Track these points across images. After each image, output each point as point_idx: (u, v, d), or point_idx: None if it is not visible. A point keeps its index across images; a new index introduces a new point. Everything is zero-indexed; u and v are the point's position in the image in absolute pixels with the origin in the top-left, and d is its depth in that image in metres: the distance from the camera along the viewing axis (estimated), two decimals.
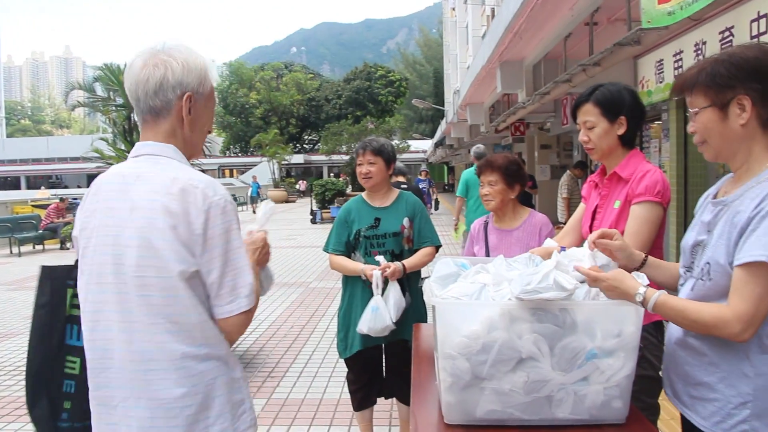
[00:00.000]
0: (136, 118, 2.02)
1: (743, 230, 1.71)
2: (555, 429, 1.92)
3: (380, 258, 3.56)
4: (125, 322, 1.76)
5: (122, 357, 1.76)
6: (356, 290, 3.74)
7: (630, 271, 1.98)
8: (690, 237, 1.97)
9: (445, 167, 53.71)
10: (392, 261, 3.65)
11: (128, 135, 5.75)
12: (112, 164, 6.93)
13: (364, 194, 3.93)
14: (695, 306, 1.78)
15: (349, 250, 3.79)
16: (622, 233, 2.29)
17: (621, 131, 2.56)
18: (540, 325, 1.85)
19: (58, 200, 18.43)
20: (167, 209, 1.75)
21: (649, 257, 2.14)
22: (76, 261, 1.92)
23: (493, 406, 1.91)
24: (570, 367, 1.87)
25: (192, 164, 5.59)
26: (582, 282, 1.93)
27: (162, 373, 1.74)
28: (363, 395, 3.91)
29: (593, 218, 2.68)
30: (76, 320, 1.95)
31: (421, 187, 17.20)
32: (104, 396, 1.79)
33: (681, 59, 8.18)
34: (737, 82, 1.76)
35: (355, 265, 3.68)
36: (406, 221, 3.75)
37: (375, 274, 3.52)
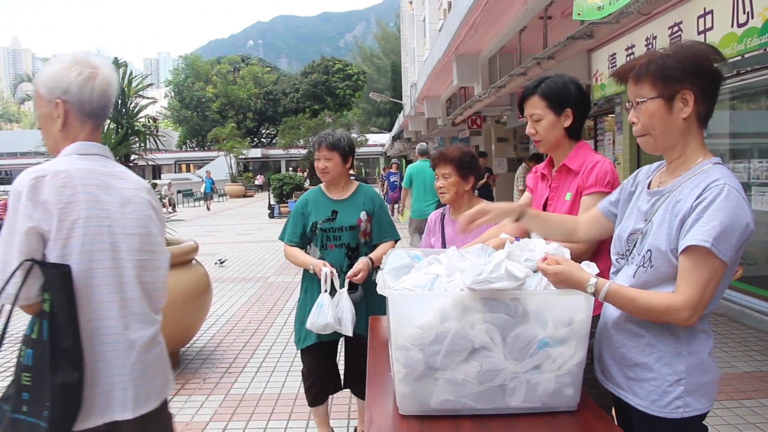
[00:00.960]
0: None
1: (685, 218, 1.77)
2: (508, 417, 1.93)
3: (326, 270, 3.54)
4: (122, 303, 2.05)
5: (117, 333, 2.03)
6: (313, 284, 3.72)
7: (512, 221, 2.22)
8: (627, 226, 2.03)
9: (403, 160, 53.90)
10: (347, 255, 3.65)
11: None
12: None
13: (322, 186, 3.91)
14: (646, 295, 1.83)
15: (304, 242, 3.78)
16: None
17: (567, 123, 2.58)
18: (492, 315, 1.86)
19: (5, 197, 18.03)
20: (150, 204, 2.16)
21: (528, 210, 2.26)
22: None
23: (447, 396, 1.92)
24: (522, 356, 1.89)
25: (147, 159, 5.44)
26: (534, 271, 1.94)
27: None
28: (317, 390, 3.88)
29: (544, 210, 2.70)
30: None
31: (392, 180, 17.16)
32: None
33: (633, 53, 8.32)
34: (684, 76, 1.81)
35: (307, 259, 3.68)
36: (363, 215, 3.74)
37: (324, 270, 3.52)
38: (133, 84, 5.81)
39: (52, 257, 1.93)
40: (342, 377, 4.01)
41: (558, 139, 2.61)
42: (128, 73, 5.73)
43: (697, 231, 1.72)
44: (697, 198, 1.77)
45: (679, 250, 1.77)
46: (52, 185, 1.95)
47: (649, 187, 2.02)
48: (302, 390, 4.95)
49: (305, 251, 3.78)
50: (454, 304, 1.86)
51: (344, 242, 3.69)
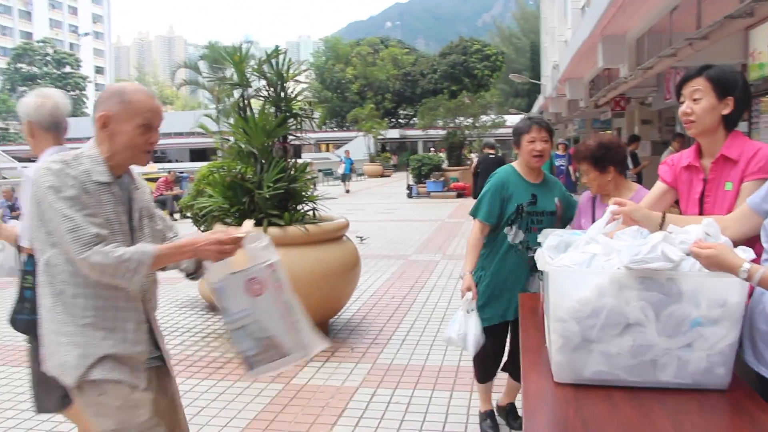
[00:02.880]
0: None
1: None
2: (658, 391, 2.05)
3: (468, 295, 3.69)
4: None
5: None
6: (492, 264, 3.80)
7: (652, 231, 2.16)
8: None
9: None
10: None
11: (242, 111, 6.08)
12: (215, 139, 7.28)
13: (516, 166, 3.88)
14: None
15: (499, 223, 3.77)
16: None
17: (726, 111, 2.52)
18: (647, 293, 1.99)
19: (166, 173, 19.34)
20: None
21: (667, 215, 2.28)
22: None
23: (601, 367, 2.06)
24: (675, 334, 2.00)
25: (303, 139, 5.79)
26: (688, 254, 2.04)
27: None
28: (484, 368, 4.02)
29: (701, 203, 2.65)
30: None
31: (557, 164, 16.27)
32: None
33: None
34: None
35: (472, 260, 3.78)
36: (557, 200, 3.78)
37: (467, 295, 3.66)
38: (291, 70, 6.18)
39: None
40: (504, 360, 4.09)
41: (713, 125, 2.55)
42: (286, 59, 6.11)
43: None
44: None
45: None
46: None
47: None
48: (446, 363, 5.24)
49: (504, 234, 3.75)
50: (611, 282, 1.99)
51: (545, 226, 3.59)
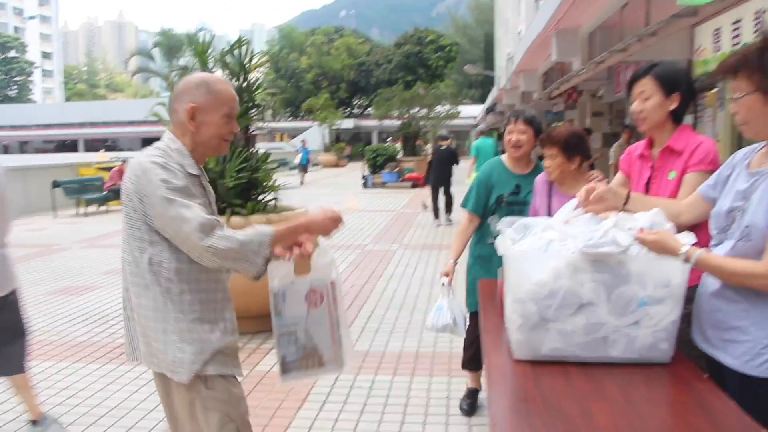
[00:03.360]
0: None
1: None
2: (609, 366, 2.23)
3: (444, 280, 3.91)
4: None
5: None
6: (483, 251, 3.96)
7: (617, 207, 2.41)
8: (725, 203, 2.23)
9: (495, 133, 53.56)
10: None
11: None
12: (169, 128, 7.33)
13: (504, 158, 4.04)
14: (731, 262, 2.07)
15: (485, 214, 3.91)
16: None
17: (673, 106, 2.73)
18: (599, 275, 2.16)
19: (120, 163, 19.10)
20: None
21: (632, 193, 2.49)
22: None
23: (557, 345, 2.23)
24: (624, 312, 2.18)
25: (263, 128, 5.85)
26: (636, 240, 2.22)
27: None
28: (470, 355, 4.20)
29: (647, 189, 2.86)
30: None
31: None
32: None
33: (739, 27, 8.18)
34: None
35: (458, 249, 4.01)
36: None
37: (442, 280, 3.87)
38: (253, 61, 6.25)
39: None
40: None
41: (662, 120, 2.76)
42: (250, 50, 6.17)
43: None
44: None
45: None
46: None
47: (748, 168, 2.21)
48: (405, 349, 5.41)
49: (487, 224, 3.82)
50: (567, 265, 2.17)
51: (527, 216, 3.72)
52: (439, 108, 30.75)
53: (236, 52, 6.09)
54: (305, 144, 31.93)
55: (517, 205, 3.87)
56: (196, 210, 2.23)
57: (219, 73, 6.25)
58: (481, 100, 53.62)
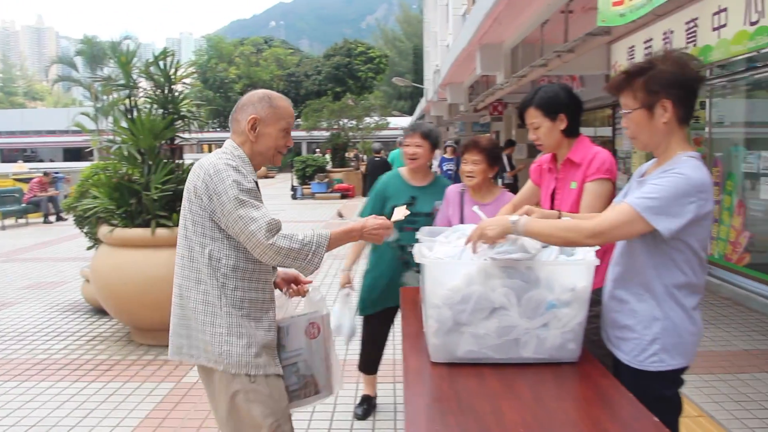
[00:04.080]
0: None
1: None
2: (521, 366, 2.35)
3: (343, 292, 4.11)
4: None
5: None
6: (380, 256, 4.08)
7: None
8: None
9: None
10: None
11: (129, 113, 6.08)
12: (93, 138, 7.26)
13: (402, 171, 4.14)
14: (556, 222, 2.28)
15: None
16: (579, 210, 2.78)
17: (563, 126, 2.93)
18: (509, 281, 2.29)
19: (41, 174, 18.53)
20: None
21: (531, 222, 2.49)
22: None
23: (471, 347, 2.34)
24: (533, 315, 2.31)
25: (190, 140, 5.81)
26: (544, 246, 2.36)
27: None
28: (371, 358, 4.34)
29: (552, 199, 3.06)
30: None
31: (445, 169, 16.82)
32: None
33: (651, 46, 8.60)
34: (661, 87, 2.19)
35: (349, 259, 4.19)
36: (436, 203, 4.02)
37: (341, 291, 4.10)
38: (179, 72, 6.23)
39: None
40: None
41: (557, 141, 2.97)
42: (175, 61, 6.15)
43: (638, 194, 2.15)
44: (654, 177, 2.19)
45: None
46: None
47: (642, 176, 2.40)
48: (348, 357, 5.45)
49: None
50: (479, 271, 2.28)
51: (419, 227, 3.75)
52: (368, 119, 30.93)
53: (161, 62, 6.05)
54: None
55: (410, 216, 3.98)
56: (264, 211, 2.41)
57: (144, 84, 6.21)
58: (411, 111, 54.21)
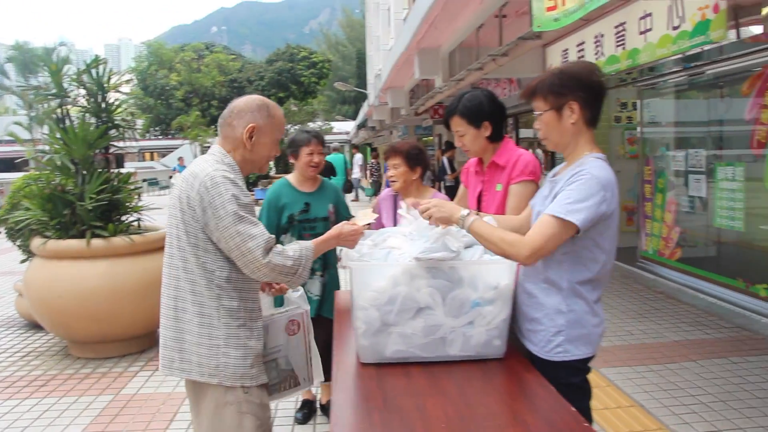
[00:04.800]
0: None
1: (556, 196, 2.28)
2: (448, 364, 2.42)
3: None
4: None
5: None
6: None
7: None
8: (535, 209, 2.53)
9: (368, 148, 54.25)
10: None
11: (61, 122, 5.98)
12: (26, 148, 7.08)
13: (290, 178, 4.23)
14: (496, 231, 2.32)
15: (279, 233, 4.07)
16: (504, 211, 2.87)
17: (487, 133, 3.03)
18: (434, 281, 2.35)
19: None
20: None
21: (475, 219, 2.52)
22: None
23: (399, 347, 2.40)
24: (459, 314, 2.38)
25: (124, 149, 5.73)
26: (467, 247, 2.43)
27: None
28: None
29: (479, 201, 3.15)
30: None
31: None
32: None
33: (583, 49, 8.85)
34: (568, 90, 2.32)
35: None
36: (331, 207, 4.16)
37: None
38: (112, 80, 6.15)
39: None
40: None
41: (483, 147, 3.07)
42: (108, 69, 6.07)
43: (555, 203, 2.25)
44: (566, 181, 2.29)
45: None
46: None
47: (554, 177, 2.51)
48: None
49: (281, 242, 4.05)
50: (404, 272, 2.34)
51: (318, 232, 3.86)
52: (311, 124, 30.92)
53: (93, 71, 5.97)
54: (183, 162, 31.37)
55: (308, 222, 4.10)
56: (262, 228, 2.42)
57: (75, 93, 6.12)
58: (354, 116, 54.20)
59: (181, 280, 2.47)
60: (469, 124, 3.02)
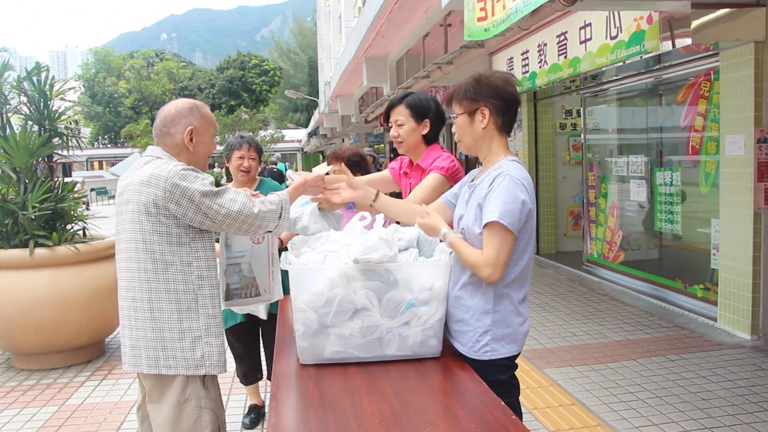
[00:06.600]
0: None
1: (482, 202, 2.38)
2: (386, 363, 2.49)
3: None
4: None
5: None
6: None
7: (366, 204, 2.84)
8: (458, 212, 2.64)
9: (321, 156, 54.25)
10: None
11: (2, 130, 5.90)
12: None
13: (231, 185, 4.30)
14: (469, 249, 2.43)
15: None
16: None
17: (425, 131, 3.15)
18: (370, 283, 2.42)
19: None
20: None
21: (381, 195, 2.83)
22: None
23: (337, 348, 2.46)
24: (394, 315, 2.45)
25: (69, 157, 5.67)
26: (402, 250, 2.51)
27: None
28: (246, 369, 4.44)
29: None
30: None
31: None
32: None
33: (527, 57, 9.07)
34: (480, 97, 2.47)
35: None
36: None
37: None
38: (56, 87, 6.09)
39: None
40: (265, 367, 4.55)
41: (416, 143, 3.18)
42: (50, 77, 6.01)
43: (487, 210, 2.35)
44: (488, 187, 2.40)
45: (482, 226, 2.38)
46: None
47: (472, 182, 2.63)
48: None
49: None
50: (340, 275, 2.40)
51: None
52: (263, 132, 30.81)
53: (35, 78, 5.90)
54: None
55: None
56: (233, 191, 2.59)
57: (17, 100, 6.04)
58: (306, 124, 54.16)
59: (152, 282, 2.53)
60: (411, 116, 3.13)
